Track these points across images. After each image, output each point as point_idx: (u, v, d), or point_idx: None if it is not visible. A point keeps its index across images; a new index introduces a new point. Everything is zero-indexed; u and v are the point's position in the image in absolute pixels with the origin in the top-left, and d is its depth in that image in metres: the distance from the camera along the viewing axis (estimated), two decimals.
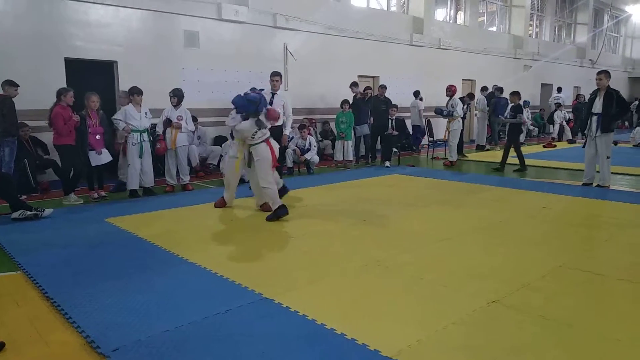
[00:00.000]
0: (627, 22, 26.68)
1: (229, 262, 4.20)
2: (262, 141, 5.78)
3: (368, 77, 13.26)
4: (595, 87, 7.61)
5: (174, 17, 9.43)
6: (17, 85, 6.70)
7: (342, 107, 10.40)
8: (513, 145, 9.75)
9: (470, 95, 13.74)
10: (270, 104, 7.14)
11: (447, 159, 10.77)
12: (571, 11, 22.72)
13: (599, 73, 7.53)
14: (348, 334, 2.85)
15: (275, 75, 7.52)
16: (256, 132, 5.71)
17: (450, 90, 10.73)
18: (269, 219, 5.66)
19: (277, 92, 7.49)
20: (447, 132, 10.80)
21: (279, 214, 5.66)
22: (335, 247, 4.68)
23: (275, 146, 5.96)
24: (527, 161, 9.76)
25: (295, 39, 11.42)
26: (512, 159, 9.75)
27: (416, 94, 13.51)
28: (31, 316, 3.20)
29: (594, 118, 7.47)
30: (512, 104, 10.02)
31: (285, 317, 3.12)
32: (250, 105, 5.66)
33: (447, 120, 10.82)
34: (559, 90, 18.64)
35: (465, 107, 11.92)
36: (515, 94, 10.14)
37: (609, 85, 7.42)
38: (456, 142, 10.69)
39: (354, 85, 11.03)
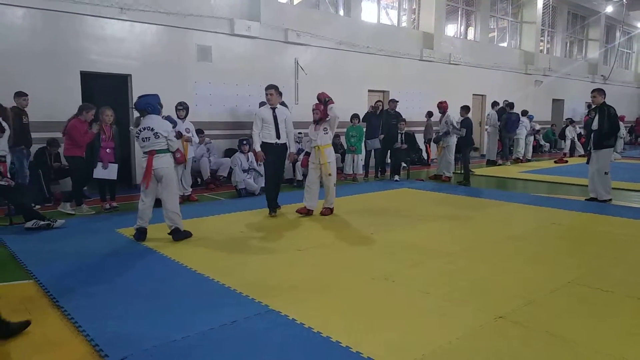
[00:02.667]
0: (639, 39, 26.58)
1: (236, 273, 4.23)
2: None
3: (378, 91, 13.34)
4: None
5: (187, 32, 9.61)
6: (26, 95, 6.82)
7: (352, 121, 10.46)
8: (462, 158, 9.84)
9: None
10: (274, 119, 6.56)
11: (442, 174, 10.51)
12: (582, 27, 22.70)
13: (592, 91, 7.68)
14: (353, 347, 2.87)
15: (270, 89, 6.57)
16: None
17: (442, 107, 10.40)
18: (176, 239, 5.43)
19: (277, 106, 6.67)
20: (440, 148, 10.62)
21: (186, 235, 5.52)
22: (343, 260, 4.70)
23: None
24: (538, 177, 9.70)
25: (306, 54, 11.55)
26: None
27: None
28: (41, 324, 3.26)
29: (592, 135, 7.59)
30: (461, 118, 9.93)
31: (290, 329, 3.14)
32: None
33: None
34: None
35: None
36: (465, 108, 10.21)
37: (604, 102, 7.50)
38: (452, 157, 10.53)
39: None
